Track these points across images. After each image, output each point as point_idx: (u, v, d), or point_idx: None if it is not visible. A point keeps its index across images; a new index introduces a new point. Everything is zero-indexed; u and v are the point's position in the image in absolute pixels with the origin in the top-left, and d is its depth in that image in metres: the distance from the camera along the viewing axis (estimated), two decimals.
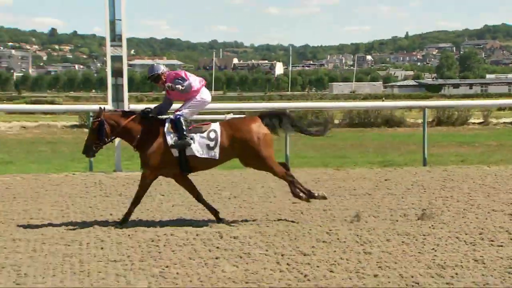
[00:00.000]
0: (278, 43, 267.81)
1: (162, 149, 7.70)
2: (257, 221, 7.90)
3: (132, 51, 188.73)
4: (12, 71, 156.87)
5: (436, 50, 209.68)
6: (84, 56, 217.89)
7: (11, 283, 5.41)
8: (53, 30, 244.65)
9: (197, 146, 7.66)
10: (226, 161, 8.09)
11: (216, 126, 7.86)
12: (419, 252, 6.38)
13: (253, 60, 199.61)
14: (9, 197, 9.73)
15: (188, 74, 8.05)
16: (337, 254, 6.31)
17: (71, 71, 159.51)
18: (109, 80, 12.90)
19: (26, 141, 21.37)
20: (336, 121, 27.52)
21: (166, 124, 7.78)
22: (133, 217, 8.10)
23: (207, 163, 7.92)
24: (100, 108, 8.13)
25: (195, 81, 7.95)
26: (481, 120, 27.69)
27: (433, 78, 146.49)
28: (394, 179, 11.36)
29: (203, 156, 7.70)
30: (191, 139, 7.66)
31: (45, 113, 32.85)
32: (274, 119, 8.08)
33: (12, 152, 17.28)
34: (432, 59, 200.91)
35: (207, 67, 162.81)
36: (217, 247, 6.59)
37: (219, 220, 7.87)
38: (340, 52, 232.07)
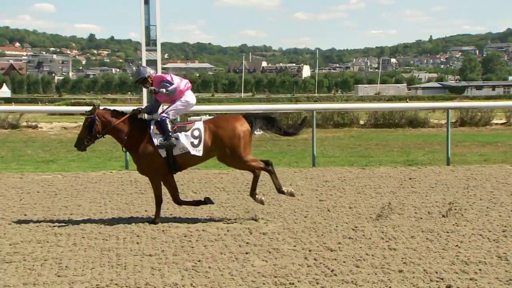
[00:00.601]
0: (305, 47, 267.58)
1: (150, 151, 7.67)
2: (285, 218, 7.89)
3: (166, 55, 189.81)
4: (53, 74, 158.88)
5: (460, 53, 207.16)
6: (121, 60, 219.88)
7: (53, 275, 5.47)
8: (91, 36, 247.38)
9: (183, 145, 7.65)
10: (209, 158, 8.05)
11: (199, 124, 7.84)
12: (443, 249, 6.31)
13: (281, 63, 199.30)
14: (50, 193, 9.84)
15: (174, 77, 8.00)
16: (363, 250, 6.27)
17: (108, 75, 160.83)
18: None
19: (67, 141, 21.60)
20: (362, 122, 27.42)
21: (152, 126, 7.75)
22: (167, 213, 8.15)
23: (193, 161, 7.92)
24: (94, 105, 8.17)
25: (180, 84, 7.90)
26: (503, 121, 27.25)
27: (456, 80, 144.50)
28: (418, 178, 11.25)
29: (189, 153, 7.67)
30: (176, 138, 7.64)
31: (84, 114, 33.20)
32: (258, 119, 8.05)
33: (53, 151, 17.49)
34: (456, 62, 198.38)
35: (237, 70, 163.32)
36: (247, 243, 6.60)
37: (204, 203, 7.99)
38: (365, 55, 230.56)
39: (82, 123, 7.99)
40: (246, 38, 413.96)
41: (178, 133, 7.68)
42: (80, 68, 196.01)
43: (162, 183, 7.96)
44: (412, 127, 26.15)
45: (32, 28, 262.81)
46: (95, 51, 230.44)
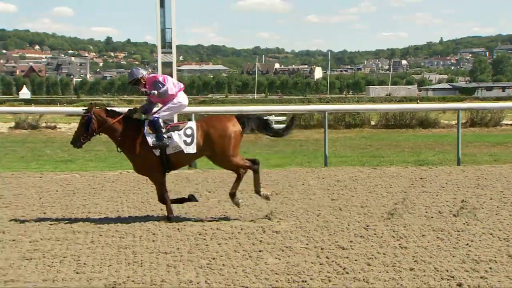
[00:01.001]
0: (317, 49, 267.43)
1: (145, 150, 7.66)
2: (297, 217, 7.87)
3: (181, 57, 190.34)
4: (71, 76, 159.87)
5: (470, 55, 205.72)
6: (137, 62, 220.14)
7: (71, 272, 5.50)
8: (108, 39, 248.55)
9: (176, 143, 7.64)
10: (201, 156, 8.03)
11: (192, 123, 7.84)
12: (453, 247, 6.27)
13: (293, 65, 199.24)
14: (69, 192, 9.89)
15: (167, 78, 7.98)
16: (374, 249, 6.24)
17: (124, 76, 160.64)
18: None
19: None
20: (373, 123, 27.32)
21: (145, 127, 7.73)
22: (181, 212, 8.17)
23: (186, 159, 7.92)
24: (91, 103, 8.18)
25: (172, 86, 7.88)
26: None
27: (466, 82, 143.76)
28: (429, 178, 11.19)
29: (182, 151, 7.66)
30: (169, 138, 7.64)
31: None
32: (251, 121, 8.02)
33: (71, 151, 17.55)
34: (466, 64, 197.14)
35: (251, 72, 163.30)
36: (260, 241, 6.59)
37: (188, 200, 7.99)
38: (376, 57, 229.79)
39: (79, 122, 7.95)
40: (260, 40, 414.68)
41: (171, 133, 7.68)
42: (98, 70, 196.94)
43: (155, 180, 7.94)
44: (423, 128, 26.03)
45: (51, 32, 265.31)
46: (112, 54, 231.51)
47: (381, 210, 8.23)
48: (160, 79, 7.89)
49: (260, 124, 8.11)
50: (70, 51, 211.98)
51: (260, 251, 6.16)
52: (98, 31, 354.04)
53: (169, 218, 7.67)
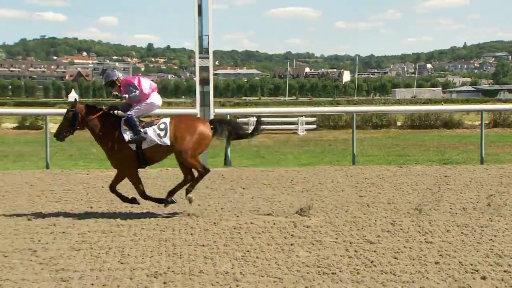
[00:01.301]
0: (346, 53, 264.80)
1: (122, 146, 7.62)
2: (327, 212, 7.83)
3: (217, 62, 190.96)
4: None
5: (493, 59, 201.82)
6: (176, 67, 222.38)
7: (116, 262, 5.56)
8: (150, 45, 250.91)
9: (151, 138, 7.60)
10: (173, 151, 7.84)
11: (165, 119, 7.78)
12: (477, 242, 6.17)
13: (323, 69, 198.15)
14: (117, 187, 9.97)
15: (142, 80, 7.90)
16: (400, 243, 6.18)
17: (164, 80, 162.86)
18: (197, 88, 13.07)
19: None
20: (399, 123, 27.03)
21: (121, 124, 7.70)
22: (217, 207, 8.19)
23: (160, 154, 7.81)
24: (75, 99, 8.18)
25: (145, 88, 7.80)
26: None
27: (489, 84, 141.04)
28: (453, 176, 11.02)
29: (157, 145, 7.61)
30: (145, 132, 7.60)
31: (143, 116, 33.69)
32: (223, 125, 7.92)
33: None
34: (489, 67, 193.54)
35: (282, 76, 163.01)
36: (292, 235, 6.58)
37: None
38: (402, 61, 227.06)
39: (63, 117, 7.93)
40: (291, 46, 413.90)
41: (146, 128, 7.65)
42: (140, 74, 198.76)
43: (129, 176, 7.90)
44: (447, 128, 25.67)
45: (98, 39, 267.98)
46: (152, 59, 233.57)
47: (407, 206, 8.14)
48: (135, 82, 7.82)
49: (233, 129, 7.99)
50: (115, 57, 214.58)
51: (291, 245, 6.15)
52: (140, 38, 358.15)
53: (167, 201, 7.76)
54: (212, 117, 13.03)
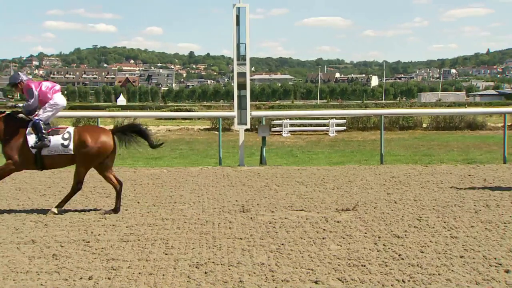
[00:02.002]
0: (374, 59, 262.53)
1: (22, 148, 7.43)
2: (356, 209, 7.76)
3: (253, 68, 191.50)
4: (160, 86, 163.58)
5: None
6: (215, 73, 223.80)
7: (161, 253, 5.61)
8: (191, 53, 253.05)
9: (54, 146, 7.41)
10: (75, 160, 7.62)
11: (70, 129, 7.58)
12: (501, 238, 6.03)
13: (352, 74, 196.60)
14: (158, 185, 10.09)
15: (44, 84, 7.66)
16: (427, 238, 6.08)
17: (204, 85, 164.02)
18: (235, 92, 13.13)
19: (171, 141, 22.17)
20: (424, 125, 26.62)
21: (28, 127, 7.50)
22: (254, 203, 8.19)
23: (61, 161, 7.54)
24: None
25: (45, 91, 7.55)
26: None
27: (511, 88, 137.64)
28: (476, 175, 10.79)
29: (56, 154, 7.41)
30: (49, 141, 7.42)
31: (184, 118, 34.03)
32: (125, 135, 7.65)
33: (160, 150, 17.95)
34: (511, 72, 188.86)
35: (314, 80, 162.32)
36: (324, 229, 6.54)
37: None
38: (427, 67, 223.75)
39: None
40: (322, 52, 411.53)
41: (51, 136, 7.46)
42: (182, 80, 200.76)
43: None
44: (471, 130, 25.21)
45: (144, 48, 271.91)
46: (194, 66, 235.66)
47: (433, 203, 8.01)
48: (33, 87, 7.58)
49: (137, 135, 7.71)
50: (159, 64, 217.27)
51: (323, 239, 6.11)
52: (183, 46, 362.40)
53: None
54: (249, 119, 13.07)
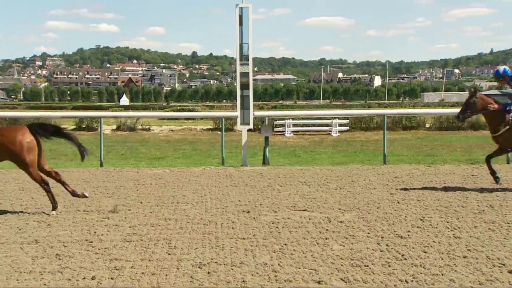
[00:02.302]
0: (377, 59, 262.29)
1: None
2: (359, 209, 7.74)
3: (256, 68, 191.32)
4: (162, 86, 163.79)
5: None
6: (218, 73, 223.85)
7: (164, 253, 5.61)
8: (194, 53, 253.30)
9: None
10: (1, 161, 7.64)
11: None
12: (504, 238, 6.01)
13: (355, 74, 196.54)
14: (160, 185, 10.09)
15: None
16: (430, 238, 6.06)
17: (207, 85, 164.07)
18: (238, 92, 13.13)
19: (173, 141, 22.21)
20: (427, 125, 26.59)
21: None
22: (256, 203, 8.19)
23: None
24: None
25: None
26: None
27: None
28: (480, 175, 10.77)
29: None
30: None
31: (187, 118, 34.07)
32: (41, 129, 7.65)
33: (162, 150, 18.03)
34: None
35: (316, 80, 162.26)
36: (326, 230, 6.53)
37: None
38: (430, 67, 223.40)
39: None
40: (324, 53, 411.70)
41: None
42: (184, 80, 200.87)
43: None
44: (474, 130, 25.15)
45: (147, 48, 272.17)
46: (196, 66, 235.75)
47: (436, 203, 8.00)
48: None
49: (53, 131, 7.74)
50: (162, 64, 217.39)
51: (326, 239, 6.10)
52: (185, 46, 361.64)
53: None
54: (251, 119, 13.07)
